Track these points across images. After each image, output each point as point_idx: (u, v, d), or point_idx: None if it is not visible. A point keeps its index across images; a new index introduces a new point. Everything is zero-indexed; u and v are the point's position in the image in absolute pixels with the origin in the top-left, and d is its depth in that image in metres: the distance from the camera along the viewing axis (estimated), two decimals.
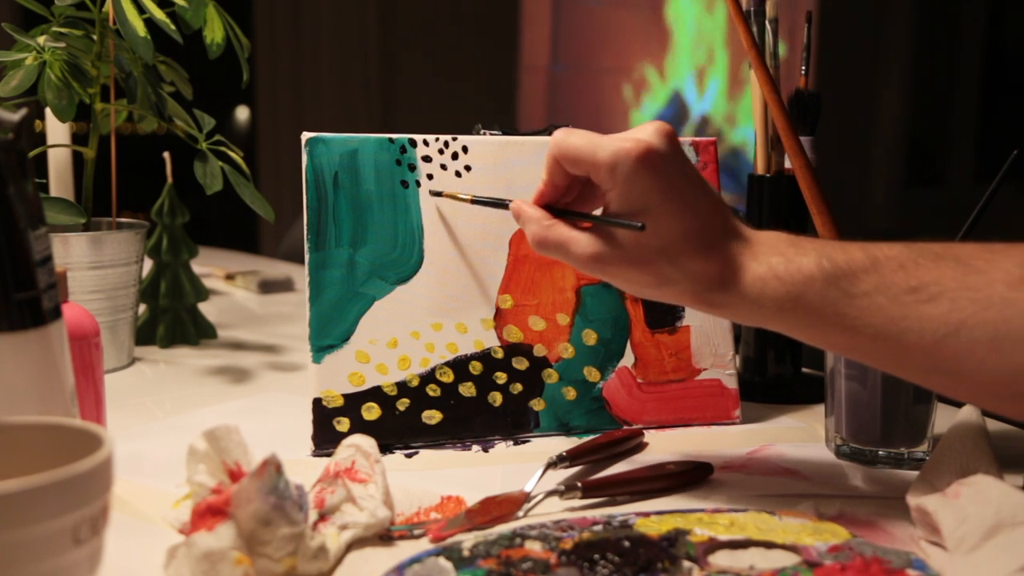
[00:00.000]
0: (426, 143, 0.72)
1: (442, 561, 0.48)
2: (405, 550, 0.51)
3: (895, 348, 0.52)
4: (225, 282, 1.40)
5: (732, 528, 0.53)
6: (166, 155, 1.02)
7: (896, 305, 0.51)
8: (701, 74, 3.85)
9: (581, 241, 0.56)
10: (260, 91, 3.47)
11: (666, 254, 0.55)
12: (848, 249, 0.54)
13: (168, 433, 0.72)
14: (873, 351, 0.53)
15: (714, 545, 0.50)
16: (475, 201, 0.68)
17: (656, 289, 0.56)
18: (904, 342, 0.51)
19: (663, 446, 0.70)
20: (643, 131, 0.56)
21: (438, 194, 0.71)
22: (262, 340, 1.03)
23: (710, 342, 0.75)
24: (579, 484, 0.58)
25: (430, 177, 0.72)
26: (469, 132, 0.77)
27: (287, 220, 2.41)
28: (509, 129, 0.80)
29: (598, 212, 0.58)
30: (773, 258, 0.54)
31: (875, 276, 0.52)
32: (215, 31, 0.91)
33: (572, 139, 0.57)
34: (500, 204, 0.64)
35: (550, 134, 0.80)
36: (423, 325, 0.70)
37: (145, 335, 0.99)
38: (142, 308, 1.00)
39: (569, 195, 0.60)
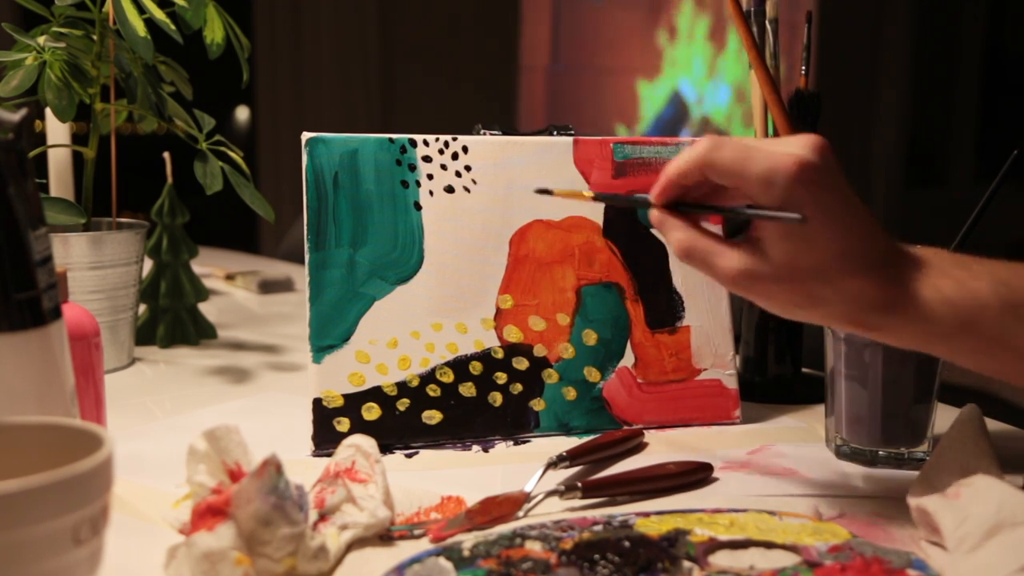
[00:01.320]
0: (426, 143, 0.72)
1: (442, 561, 0.48)
2: (405, 550, 0.51)
3: None
4: (225, 282, 1.40)
5: (732, 528, 0.53)
6: (166, 155, 1.01)
7: None
8: (702, 73, 3.86)
9: (730, 256, 0.52)
10: (260, 91, 3.47)
11: (822, 274, 0.51)
12: (1020, 272, 0.51)
13: (168, 433, 0.72)
14: None
15: (714, 545, 0.50)
16: (597, 198, 0.62)
17: (806, 309, 0.53)
18: None
19: (663, 446, 0.70)
20: (798, 144, 0.51)
21: (548, 192, 0.59)
22: (262, 340, 1.03)
23: (710, 342, 0.75)
24: (579, 484, 0.58)
25: (430, 177, 0.72)
26: (469, 132, 0.77)
27: (287, 220, 2.41)
28: (509, 129, 0.80)
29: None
30: (942, 280, 0.51)
31: None
32: (215, 31, 0.91)
33: (725, 152, 0.52)
34: (630, 202, 0.59)
35: (550, 134, 0.80)
36: (423, 325, 0.70)
37: (145, 335, 0.99)
38: (142, 308, 1.00)
39: (695, 192, 0.56)
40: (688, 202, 0.55)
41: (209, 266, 1.45)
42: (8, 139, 0.47)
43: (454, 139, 0.73)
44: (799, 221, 0.50)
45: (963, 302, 0.51)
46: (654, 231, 0.56)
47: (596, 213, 0.74)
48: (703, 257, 0.53)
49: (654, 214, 0.56)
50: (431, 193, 0.72)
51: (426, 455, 0.67)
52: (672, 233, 0.55)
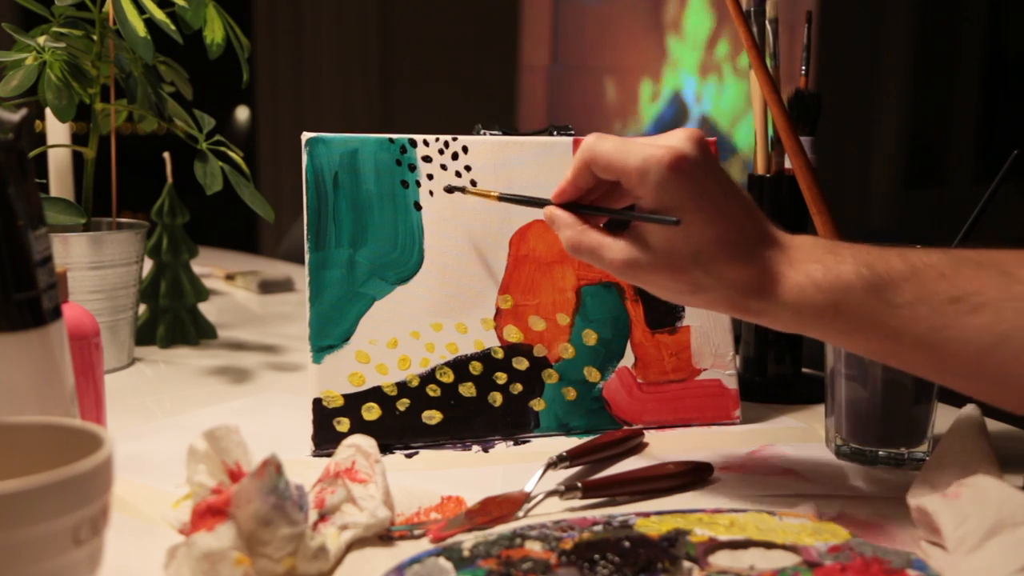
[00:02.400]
0: (426, 143, 0.72)
1: (442, 561, 0.48)
2: (405, 550, 0.51)
3: (938, 357, 0.52)
4: (225, 282, 1.40)
5: (732, 528, 0.52)
6: (166, 155, 1.01)
7: (938, 315, 0.51)
8: (702, 73, 3.86)
9: (614, 247, 0.56)
10: (260, 91, 3.47)
11: (700, 261, 0.54)
12: (887, 257, 0.53)
13: (168, 433, 0.72)
14: (915, 360, 0.53)
15: (714, 545, 0.50)
16: (502, 198, 0.66)
17: (691, 296, 0.56)
18: (947, 351, 0.51)
19: (663, 446, 0.70)
20: (674, 137, 0.55)
21: (460, 190, 0.70)
22: (262, 340, 1.03)
23: (710, 342, 0.75)
24: (579, 484, 0.58)
25: (430, 177, 0.72)
26: (469, 132, 0.77)
27: (287, 220, 2.41)
28: (509, 129, 0.80)
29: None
30: (811, 265, 0.54)
31: (916, 285, 0.52)
32: (215, 31, 0.91)
33: (603, 144, 0.56)
34: (531, 202, 0.63)
35: (550, 134, 0.80)
36: (423, 325, 0.70)
37: (145, 335, 0.99)
38: (142, 308, 1.00)
39: (593, 194, 0.60)
40: (580, 204, 0.59)
41: (209, 266, 1.45)
42: (8, 139, 0.47)
43: (454, 139, 0.73)
44: (674, 223, 0.53)
45: (829, 285, 0.53)
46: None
47: None
48: (590, 250, 0.57)
49: (545, 212, 0.60)
50: (431, 193, 0.72)
51: (426, 455, 0.67)
52: (562, 231, 0.59)
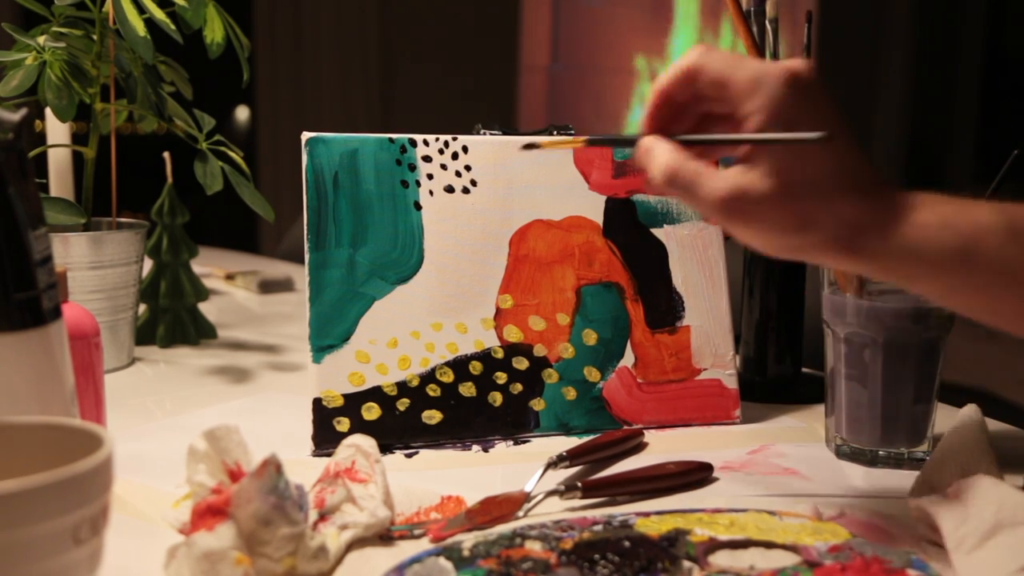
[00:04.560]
0: (426, 143, 0.72)
1: (442, 561, 0.48)
2: (405, 550, 0.51)
3: None
4: (225, 282, 1.40)
5: (732, 528, 0.53)
6: (166, 155, 1.01)
7: None
8: None
9: (719, 176, 0.49)
10: (260, 91, 3.47)
11: (817, 190, 0.48)
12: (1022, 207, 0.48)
13: (168, 433, 0.72)
14: None
15: (714, 545, 0.50)
16: (591, 142, 0.57)
17: (798, 234, 0.49)
18: None
19: (663, 446, 0.70)
20: (786, 62, 0.50)
21: (536, 146, 0.58)
22: (262, 340, 1.03)
23: (710, 342, 0.75)
24: (579, 484, 0.58)
25: (430, 177, 0.72)
26: (469, 132, 0.77)
27: (287, 220, 2.41)
28: (509, 129, 0.80)
29: None
30: (941, 205, 0.48)
31: None
32: (215, 31, 0.91)
33: (713, 55, 0.50)
34: (624, 142, 0.56)
35: (550, 134, 0.80)
36: (423, 325, 0.70)
37: (145, 335, 0.99)
38: (142, 308, 1.00)
39: (680, 125, 0.53)
40: (682, 135, 0.52)
41: (209, 266, 1.44)
42: (8, 139, 0.47)
43: (454, 139, 0.73)
44: (821, 140, 0.46)
45: (964, 226, 0.47)
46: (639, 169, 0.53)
47: (596, 213, 0.74)
48: (689, 181, 0.49)
49: (643, 141, 0.52)
50: (431, 193, 0.72)
51: (426, 455, 0.67)
52: (658, 158, 0.51)
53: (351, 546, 0.51)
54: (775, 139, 0.48)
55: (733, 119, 0.50)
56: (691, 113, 0.53)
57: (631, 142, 0.53)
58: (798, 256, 0.51)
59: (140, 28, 0.81)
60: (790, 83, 0.48)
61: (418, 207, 0.71)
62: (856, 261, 0.49)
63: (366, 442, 0.54)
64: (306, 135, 0.70)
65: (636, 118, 3.89)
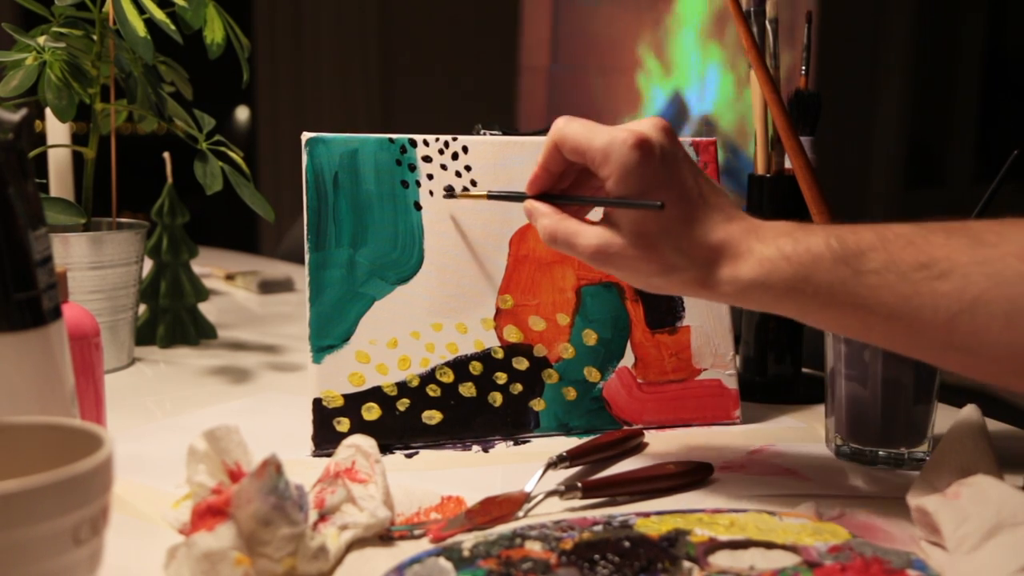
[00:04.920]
0: (426, 143, 0.72)
1: (442, 561, 0.48)
2: (405, 550, 0.51)
3: (909, 326, 0.51)
4: (225, 282, 1.40)
5: (732, 528, 0.52)
6: (166, 155, 1.01)
7: (907, 282, 0.51)
8: (702, 73, 3.86)
9: (588, 234, 0.57)
10: (260, 91, 3.47)
11: (669, 239, 0.55)
12: (857, 230, 0.53)
13: (168, 433, 0.72)
14: (887, 331, 0.53)
15: (714, 545, 0.50)
16: (491, 196, 0.67)
17: (662, 277, 0.56)
18: (918, 320, 0.51)
19: (663, 446, 0.70)
20: (640, 124, 0.57)
21: (451, 195, 0.71)
22: (262, 340, 1.03)
23: (710, 342, 0.75)
24: (579, 484, 0.58)
25: (430, 177, 0.72)
26: (469, 132, 0.77)
27: (287, 220, 2.41)
28: (509, 129, 0.80)
29: None
30: (780, 240, 0.54)
31: (884, 253, 0.52)
32: (215, 31, 0.91)
33: (572, 126, 0.58)
34: (516, 198, 0.64)
35: None
36: (423, 325, 0.70)
37: (145, 335, 0.99)
38: (142, 308, 1.00)
39: (564, 182, 0.61)
40: (558, 195, 0.61)
41: (209, 266, 1.44)
42: (8, 139, 0.47)
43: (454, 139, 0.73)
44: (657, 207, 0.54)
45: (799, 257, 0.53)
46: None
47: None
48: (565, 238, 0.58)
49: (525, 205, 0.61)
50: (431, 193, 0.72)
51: (426, 455, 0.67)
52: (539, 220, 0.60)
53: (351, 546, 0.51)
54: (620, 204, 0.55)
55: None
56: (572, 170, 0.61)
57: (523, 198, 0.62)
58: (668, 292, 0.58)
59: (140, 28, 0.81)
60: (637, 148, 0.55)
61: (418, 207, 0.71)
62: (714, 295, 0.56)
63: (366, 442, 0.54)
64: (306, 135, 0.70)
65: (635, 118, 3.89)
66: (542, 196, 0.61)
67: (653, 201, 0.54)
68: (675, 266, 0.55)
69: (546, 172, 0.60)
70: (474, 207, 0.72)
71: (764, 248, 0.54)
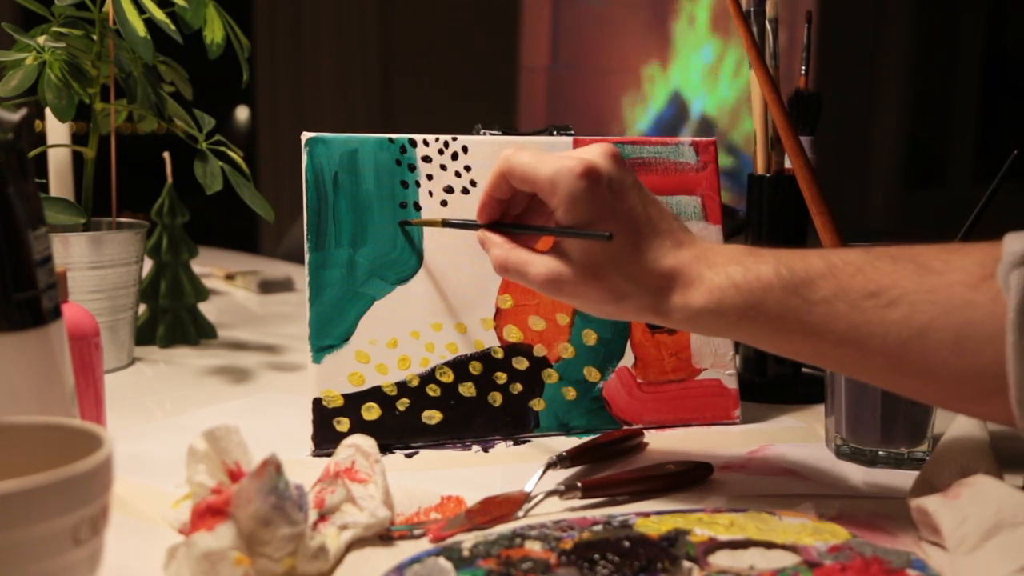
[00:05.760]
0: (426, 143, 0.72)
1: (442, 561, 0.48)
2: (405, 550, 0.51)
3: (859, 353, 0.52)
4: (225, 282, 1.40)
5: (732, 528, 0.53)
6: (166, 155, 1.01)
7: (856, 311, 0.51)
8: (702, 73, 3.86)
9: (538, 263, 0.57)
10: (260, 91, 3.47)
11: (618, 267, 0.55)
12: (807, 257, 0.54)
13: (168, 433, 0.72)
14: (837, 357, 0.53)
15: (714, 545, 0.50)
16: (446, 224, 0.67)
17: (613, 305, 0.56)
18: (867, 347, 0.51)
19: (663, 446, 0.70)
20: (588, 151, 0.57)
21: (407, 223, 0.71)
22: (262, 340, 1.03)
23: (710, 342, 0.75)
24: (579, 484, 0.58)
25: (430, 177, 0.72)
26: (469, 132, 0.77)
27: (287, 220, 2.41)
28: (509, 129, 0.80)
29: None
30: (730, 267, 0.54)
31: (832, 282, 0.52)
32: (215, 31, 0.91)
33: (519, 156, 0.57)
34: (470, 226, 0.64)
35: (550, 134, 0.80)
36: (423, 325, 0.70)
37: (145, 335, 0.99)
38: (142, 308, 1.00)
39: (515, 208, 0.61)
40: (510, 224, 0.61)
41: (209, 266, 1.44)
42: (8, 139, 0.47)
43: (454, 139, 0.73)
44: (605, 238, 0.53)
45: (748, 285, 0.53)
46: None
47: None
48: (516, 268, 0.58)
49: (478, 234, 0.61)
50: (431, 193, 0.72)
51: (426, 455, 0.67)
52: (491, 250, 0.60)
53: (351, 546, 0.51)
54: (568, 233, 0.55)
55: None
56: (524, 196, 0.60)
57: (476, 227, 0.62)
58: (620, 319, 0.59)
59: (140, 28, 0.81)
60: (584, 177, 0.55)
61: (418, 207, 0.71)
62: (666, 321, 0.56)
63: (366, 442, 0.54)
64: (306, 135, 0.70)
65: (638, 118, 3.89)
66: (495, 225, 0.61)
67: (601, 232, 0.54)
68: (625, 294, 0.55)
69: (493, 200, 0.60)
70: (474, 207, 0.72)
71: (714, 276, 0.54)
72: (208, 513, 0.45)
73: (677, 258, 0.55)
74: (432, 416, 0.69)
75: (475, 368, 0.71)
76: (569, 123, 0.84)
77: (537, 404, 0.71)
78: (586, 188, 0.55)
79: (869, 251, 0.53)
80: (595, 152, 0.56)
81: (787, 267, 0.53)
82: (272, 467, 0.45)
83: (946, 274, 0.50)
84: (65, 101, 0.82)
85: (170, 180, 1.00)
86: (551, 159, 0.56)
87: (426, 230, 0.71)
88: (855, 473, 0.64)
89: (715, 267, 0.55)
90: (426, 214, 0.71)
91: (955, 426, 0.60)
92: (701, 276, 0.55)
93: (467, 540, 0.51)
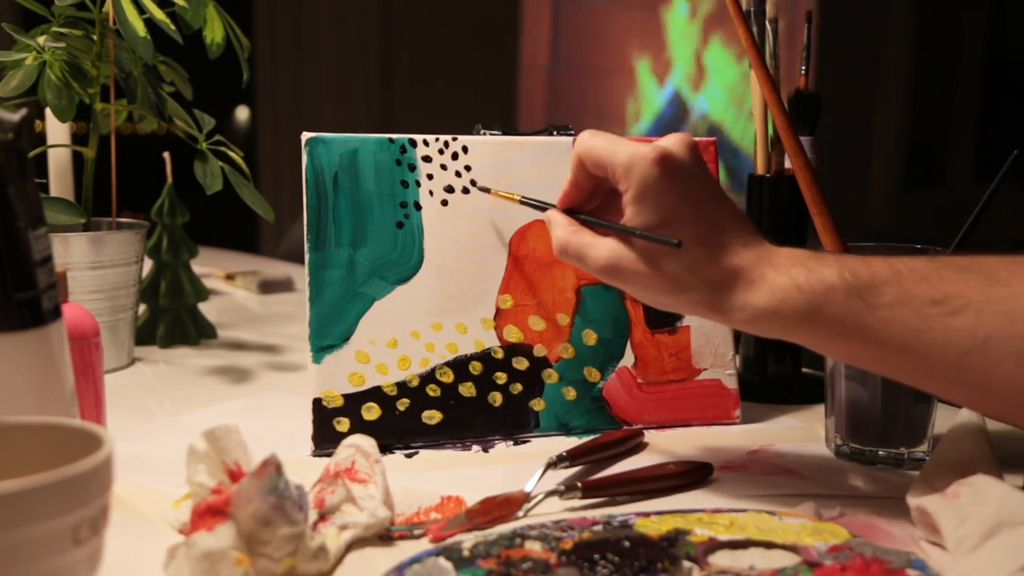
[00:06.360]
0: (426, 143, 0.72)
1: (442, 561, 0.48)
2: (405, 550, 0.51)
3: (920, 361, 0.51)
4: (225, 282, 1.40)
5: (732, 528, 0.53)
6: (166, 155, 1.02)
7: (919, 317, 0.51)
8: (702, 73, 3.86)
9: (599, 246, 0.57)
10: (260, 91, 3.47)
11: (682, 259, 0.55)
12: (871, 262, 0.53)
13: (168, 433, 0.72)
14: (897, 364, 0.53)
15: (714, 545, 0.50)
16: (523, 202, 0.67)
17: (672, 296, 0.56)
18: (929, 355, 0.51)
19: (663, 446, 0.70)
20: (666, 139, 0.57)
21: (486, 190, 0.71)
22: (262, 340, 1.03)
23: (710, 342, 0.75)
24: (579, 484, 0.58)
25: (430, 177, 0.72)
26: (469, 132, 0.77)
27: (287, 220, 2.41)
28: (509, 129, 0.80)
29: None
30: (794, 268, 0.54)
31: (897, 288, 0.51)
32: (215, 31, 0.91)
33: (595, 140, 0.57)
34: (544, 207, 0.64)
35: (550, 134, 0.80)
36: (423, 325, 0.70)
37: (145, 335, 0.99)
38: (142, 308, 1.00)
39: (592, 202, 0.62)
40: (581, 211, 0.61)
41: (209, 266, 1.45)
42: (8, 139, 0.47)
43: (454, 139, 0.73)
44: (674, 245, 0.53)
45: (811, 288, 0.53)
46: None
47: None
48: (577, 250, 0.58)
49: (546, 214, 0.62)
50: (431, 193, 0.72)
51: (426, 455, 0.67)
52: (555, 230, 0.60)
53: (351, 546, 0.51)
54: (639, 235, 0.55)
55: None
56: (600, 190, 0.61)
57: (549, 207, 0.63)
58: (676, 311, 0.58)
59: (140, 28, 0.81)
60: (659, 164, 0.55)
61: (418, 207, 0.71)
62: (724, 319, 0.56)
63: (366, 442, 0.54)
64: (306, 135, 0.70)
65: (635, 118, 3.89)
66: (565, 211, 0.61)
67: (670, 238, 0.53)
68: (686, 286, 0.55)
69: (575, 188, 0.60)
70: (474, 207, 0.72)
71: (777, 276, 0.54)
72: (208, 513, 0.45)
73: (742, 256, 0.55)
74: (432, 416, 0.69)
75: (475, 368, 0.71)
76: (569, 123, 0.84)
77: (537, 404, 0.71)
78: (659, 176, 0.55)
79: (935, 259, 0.53)
80: (672, 141, 0.56)
81: (851, 271, 0.53)
82: (272, 467, 0.45)
83: (1013, 285, 0.49)
84: (65, 101, 0.82)
85: (170, 180, 1.00)
86: (627, 144, 0.56)
87: (428, 228, 0.71)
88: (855, 473, 0.64)
89: (778, 268, 0.54)
90: (426, 214, 0.71)
91: (955, 426, 0.60)
92: (764, 276, 0.54)
93: (467, 540, 0.51)
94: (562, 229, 0.59)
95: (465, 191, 0.72)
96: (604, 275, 0.57)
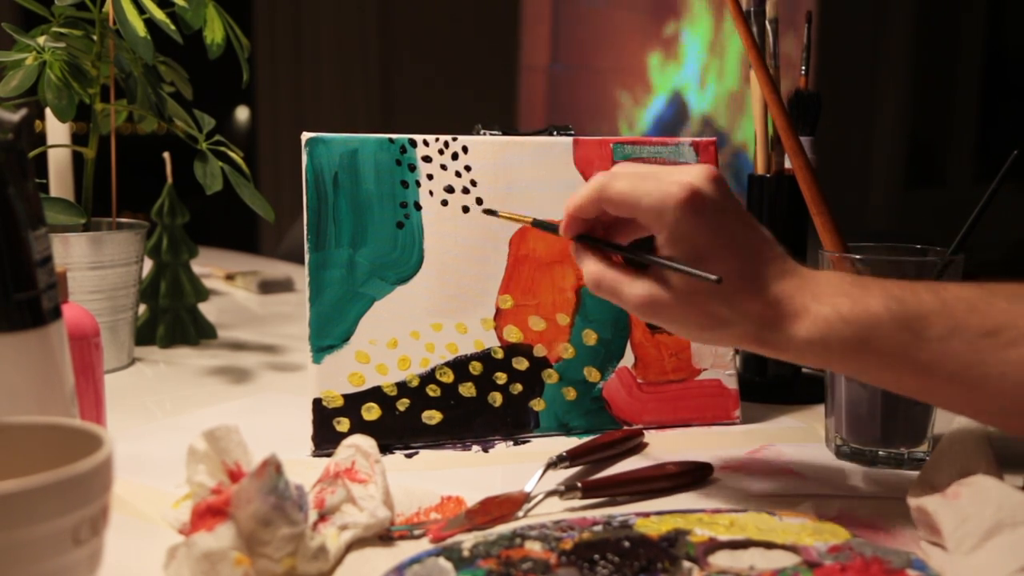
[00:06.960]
0: (426, 143, 0.72)
1: (442, 561, 0.48)
2: (405, 550, 0.51)
3: (972, 393, 0.51)
4: (225, 282, 1.40)
5: (732, 528, 0.53)
6: (166, 155, 1.02)
7: (972, 350, 0.50)
8: (702, 73, 3.86)
9: (635, 285, 0.55)
10: (260, 91, 3.47)
11: (720, 294, 0.53)
12: (916, 290, 0.52)
13: (168, 433, 0.72)
14: (948, 395, 0.52)
15: (714, 545, 0.50)
16: (536, 224, 0.64)
17: (711, 332, 0.54)
18: (982, 387, 0.50)
19: (663, 446, 0.70)
20: (689, 173, 0.54)
21: (493, 213, 0.66)
22: (262, 340, 1.03)
23: None
24: (579, 484, 0.58)
25: (430, 177, 0.72)
26: (469, 132, 0.77)
27: (287, 220, 2.41)
28: (509, 129, 0.80)
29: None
30: (837, 298, 0.52)
31: (947, 319, 0.50)
32: (215, 31, 0.91)
33: (617, 185, 0.55)
34: (557, 229, 0.61)
35: (550, 134, 0.80)
36: (423, 325, 0.70)
37: (145, 335, 0.99)
38: (142, 308, 1.00)
39: (600, 225, 0.59)
40: (602, 239, 0.58)
41: (209, 266, 1.45)
42: (8, 139, 0.47)
43: (454, 139, 0.73)
44: (715, 281, 0.51)
45: (857, 319, 0.51)
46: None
47: None
48: (611, 287, 0.56)
49: (571, 246, 0.59)
50: (431, 193, 0.72)
51: (426, 455, 0.67)
52: (585, 265, 0.57)
53: (351, 546, 0.51)
54: (675, 269, 0.53)
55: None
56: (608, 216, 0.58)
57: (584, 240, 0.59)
58: (719, 345, 0.57)
59: (140, 28, 0.81)
60: (688, 205, 0.53)
61: (418, 207, 0.71)
62: (770, 352, 0.54)
63: (366, 442, 0.54)
64: (306, 135, 0.70)
65: (638, 118, 3.89)
66: (600, 241, 0.58)
67: (710, 275, 0.51)
68: (727, 322, 0.53)
69: (579, 220, 0.58)
70: (474, 206, 0.72)
71: (821, 307, 0.52)
72: (208, 513, 0.45)
73: (781, 287, 0.53)
74: (432, 416, 0.69)
75: (475, 368, 0.71)
76: (569, 123, 0.84)
77: (537, 404, 0.71)
78: (691, 216, 0.53)
79: (981, 287, 0.52)
80: (696, 176, 0.54)
81: (897, 300, 0.51)
82: (272, 467, 0.45)
83: None
84: (65, 101, 0.82)
85: (170, 180, 1.00)
86: (650, 185, 0.54)
87: (428, 228, 0.71)
88: (855, 473, 0.64)
89: (821, 298, 0.53)
90: (426, 214, 0.71)
91: (955, 426, 0.60)
92: (807, 307, 0.52)
93: (467, 540, 0.51)
94: (594, 264, 0.57)
95: (465, 191, 0.72)
96: (639, 312, 0.55)
